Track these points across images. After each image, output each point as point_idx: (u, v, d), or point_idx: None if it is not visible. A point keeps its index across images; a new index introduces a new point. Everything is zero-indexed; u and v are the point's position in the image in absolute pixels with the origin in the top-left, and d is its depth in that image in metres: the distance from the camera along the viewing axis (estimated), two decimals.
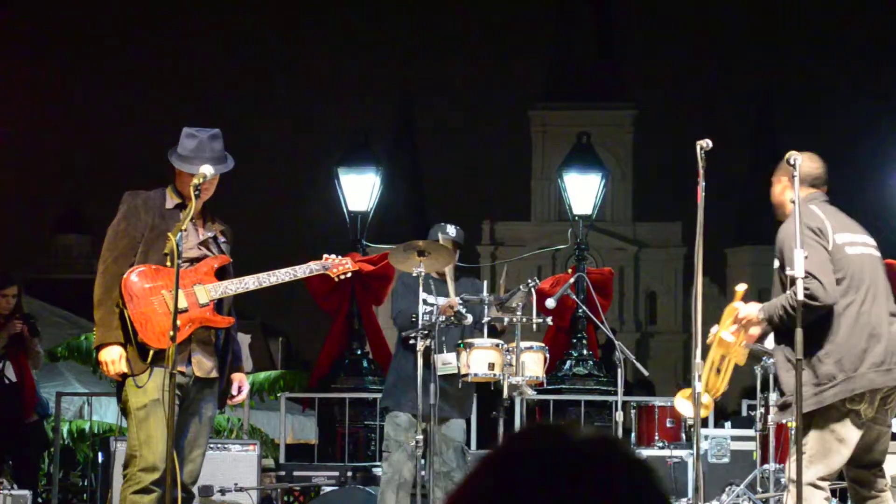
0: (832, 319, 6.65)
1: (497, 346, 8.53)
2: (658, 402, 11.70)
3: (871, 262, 6.82)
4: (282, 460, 12.89)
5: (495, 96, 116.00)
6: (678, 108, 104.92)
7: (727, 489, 10.27)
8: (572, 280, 10.63)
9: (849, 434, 6.65)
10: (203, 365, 6.75)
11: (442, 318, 8.48)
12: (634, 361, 9.78)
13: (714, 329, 7.05)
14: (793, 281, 6.55)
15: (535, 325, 8.67)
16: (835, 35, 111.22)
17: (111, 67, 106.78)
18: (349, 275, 7.35)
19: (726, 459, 11.15)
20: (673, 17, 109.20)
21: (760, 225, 76.43)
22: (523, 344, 8.56)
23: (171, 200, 6.79)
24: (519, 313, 8.57)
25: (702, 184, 6.82)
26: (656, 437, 11.23)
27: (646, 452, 11.10)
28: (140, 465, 6.51)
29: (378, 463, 11.74)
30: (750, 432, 10.74)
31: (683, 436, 11.22)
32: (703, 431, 11.13)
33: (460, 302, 8.63)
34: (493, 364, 8.47)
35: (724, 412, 19.47)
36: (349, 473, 11.48)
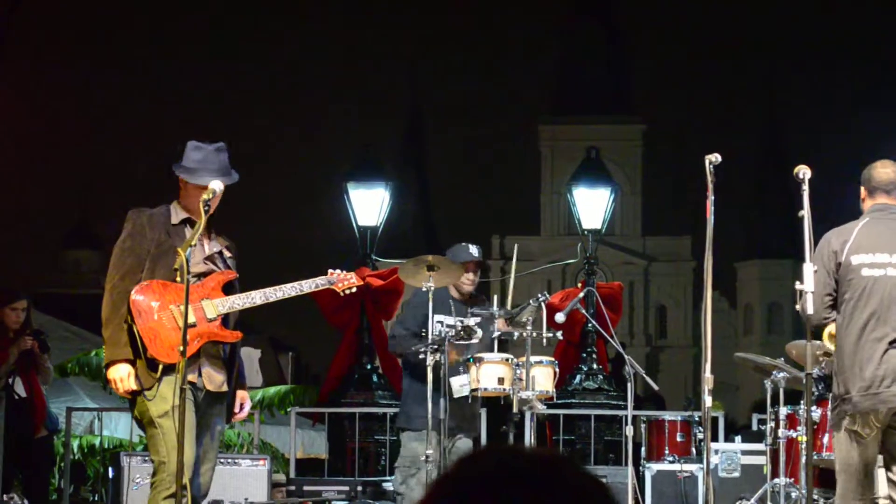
0: (840, 341, 6.79)
1: (507, 360, 8.53)
2: (668, 416, 11.69)
3: (891, 284, 6.84)
4: (292, 475, 12.89)
5: (504, 110, 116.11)
6: (687, 123, 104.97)
7: None
8: (582, 294, 10.64)
9: (852, 452, 6.79)
10: (214, 379, 6.78)
11: (451, 333, 8.48)
12: (644, 376, 9.77)
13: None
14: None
15: (545, 340, 8.67)
16: (843, 49, 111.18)
17: (122, 84, 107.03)
18: (354, 290, 7.34)
19: (737, 474, 11.14)
20: (681, 31, 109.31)
21: (769, 239, 76.52)
22: (533, 358, 8.56)
23: (177, 215, 6.81)
24: (529, 328, 8.57)
25: (711, 198, 6.83)
26: (666, 452, 11.22)
27: (656, 467, 11.09)
28: (171, 469, 6.54)
29: (388, 477, 11.74)
30: (760, 446, 10.72)
31: (694, 450, 11.21)
32: (714, 446, 11.12)
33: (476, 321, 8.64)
34: (503, 378, 8.48)
35: (735, 426, 19.44)
36: (359, 488, 11.48)
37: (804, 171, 6.81)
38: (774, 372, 9.95)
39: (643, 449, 11.47)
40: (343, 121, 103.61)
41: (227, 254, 6.96)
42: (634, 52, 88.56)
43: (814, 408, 8.91)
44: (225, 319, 6.80)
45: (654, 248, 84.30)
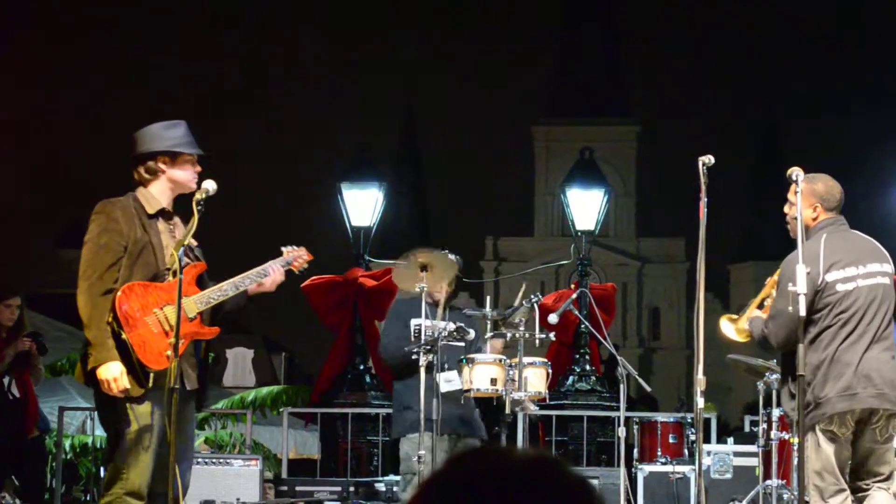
0: (818, 353, 6.88)
1: (499, 361, 8.53)
2: (661, 417, 11.69)
3: (867, 295, 6.92)
4: (284, 475, 12.89)
5: (499, 111, 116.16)
6: (681, 124, 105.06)
7: None
8: (575, 295, 10.65)
9: (828, 453, 6.90)
10: (191, 378, 6.68)
11: (444, 333, 8.48)
12: (637, 377, 9.77)
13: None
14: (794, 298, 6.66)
15: (537, 341, 8.67)
16: (840, 52, 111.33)
17: (117, 83, 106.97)
18: (306, 266, 7.14)
19: (729, 475, 11.14)
20: (676, 32, 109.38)
21: (764, 241, 76.51)
22: (526, 359, 8.56)
23: (151, 205, 6.62)
24: (522, 329, 8.57)
25: (704, 199, 6.83)
26: (659, 453, 11.22)
27: (648, 468, 11.09)
28: (126, 487, 6.39)
29: (380, 478, 11.75)
30: (753, 448, 10.73)
31: (686, 451, 11.22)
32: (706, 447, 11.13)
33: (455, 325, 8.63)
34: (496, 379, 8.47)
35: (727, 428, 19.46)
36: (351, 489, 11.48)
37: (797, 173, 6.83)
38: (767, 374, 9.95)
39: (636, 450, 11.48)
40: (337, 121, 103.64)
41: (193, 243, 6.83)
42: (629, 54, 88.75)
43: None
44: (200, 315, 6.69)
45: (648, 249, 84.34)
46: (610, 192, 15.34)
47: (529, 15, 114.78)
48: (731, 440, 12.59)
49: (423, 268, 8.53)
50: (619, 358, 9.77)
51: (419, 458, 8.51)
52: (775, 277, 7.15)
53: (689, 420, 11.16)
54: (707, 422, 12.42)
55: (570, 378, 14.17)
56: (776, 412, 9.88)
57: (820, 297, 6.87)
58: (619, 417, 10.00)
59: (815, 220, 7.06)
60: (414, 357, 8.48)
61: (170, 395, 6.30)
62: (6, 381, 10.87)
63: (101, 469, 11.30)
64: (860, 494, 7.03)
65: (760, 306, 7.35)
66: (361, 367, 14.12)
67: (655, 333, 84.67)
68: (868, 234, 7.26)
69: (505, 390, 8.47)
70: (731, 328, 7.47)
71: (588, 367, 14.26)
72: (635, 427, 11.60)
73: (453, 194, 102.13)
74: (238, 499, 10.63)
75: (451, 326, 8.59)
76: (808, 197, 7.00)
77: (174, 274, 6.54)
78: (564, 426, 13.78)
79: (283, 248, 6.97)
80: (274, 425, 17.88)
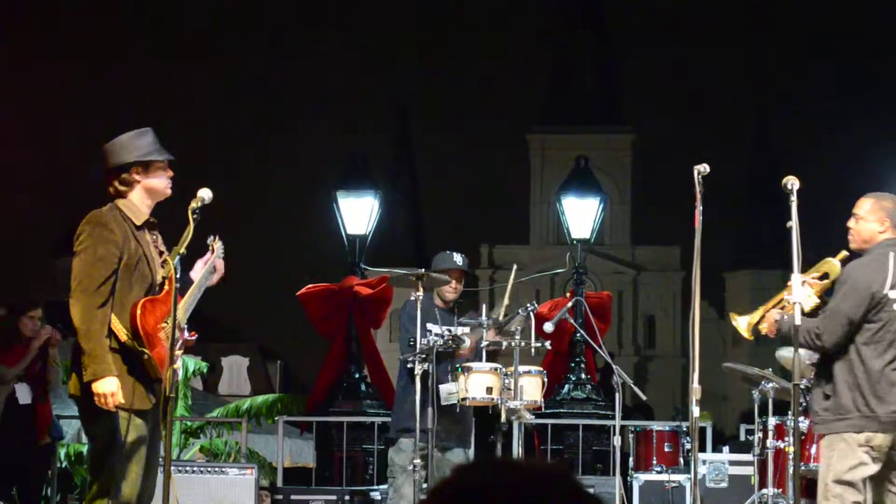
0: (865, 363, 6.97)
1: (495, 370, 8.53)
2: (656, 426, 11.69)
3: None
4: (279, 484, 12.87)
5: (494, 119, 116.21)
6: (676, 132, 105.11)
7: None
8: (570, 304, 10.63)
9: (866, 466, 6.98)
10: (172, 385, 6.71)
11: (440, 342, 8.49)
12: (632, 385, 9.77)
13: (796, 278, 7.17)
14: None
15: (533, 350, 8.67)
16: (834, 58, 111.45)
17: (111, 91, 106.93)
18: (222, 255, 7.02)
19: (724, 484, 11.14)
20: (671, 41, 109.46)
21: (759, 249, 76.58)
22: (521, 368, 8.56)
23: (137, 216, 6.61)
24: (517, 337, 8.57)
25: (699, 208, 6.86)
26: (654, 462, 11.22)
27: (643, 477, 11.09)
28: (119, 500, 6.41)
29: (376, 487, 11.74)
30: (748, 457, 10.72)
31: (681, 460, 11.22)
32: (702, 456, 11.12)
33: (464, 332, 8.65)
34: (492, 388, 8.47)
35: (723, 437, 19.45)
36: (347, 497, 11.47)
37: (792, 182, 6.86)
38: (762, 382, 9.95)
39: (631, 459, 11.47)
40: (333, 129, 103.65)
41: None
42: (624, 62, 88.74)
43: (801, 418, 8.93)
44: None
45: (643, 257, 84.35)
46: (605, 201, 15.34)
47: (524, 24, 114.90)
48: (726, 449, 12.58)
49: (419, 279, 8.55)
50: (614, 366, 9.77)
51: (414, 467, 8.52)
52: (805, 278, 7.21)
53: (685, 429, 11.16)
54: (702, 430, 12.42)
55: (566, 387, 14.16)
56: (772, 421, 9.88)
57: (875, 311, 6.96)
58: (614, 426, 10.01)
59: (881, 233, 7.14)
60: (409, 366, 8.49)
61: (165, 403, 6.33)
62: (10, 388, 10.97)
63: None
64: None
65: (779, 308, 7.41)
66: (357, 376, 14.11)
67: (651, 342, 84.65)
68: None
69: (500, 399, 8.47)
70: (744, 321, 7.48)
71: (583, 376, 14.25)
72: (631, 436, 11.59)
73: (449, 202, 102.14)
74: None
75: (447, 334, 8.60)
76: (877, 212, 7.13)
77: (160, 287, 6.56)
78: (560, 435, 13.77)
79: (209, 241, 6.90)
80: (269, 434, 17.87)
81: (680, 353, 79.61)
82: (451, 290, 9.11)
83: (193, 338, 6.72)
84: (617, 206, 79.69)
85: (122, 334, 6.39)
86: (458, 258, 9.15)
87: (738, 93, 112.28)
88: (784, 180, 6.91)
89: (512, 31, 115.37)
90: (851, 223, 7.19)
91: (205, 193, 6.62)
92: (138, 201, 6.64)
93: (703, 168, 6.90)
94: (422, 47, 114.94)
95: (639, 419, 14.78)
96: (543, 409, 9.44)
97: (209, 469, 11.03)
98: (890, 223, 7.17)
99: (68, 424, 15.07)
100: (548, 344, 9.20)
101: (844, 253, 7.34)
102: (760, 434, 10.16)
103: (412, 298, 8.58)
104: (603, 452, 13.52)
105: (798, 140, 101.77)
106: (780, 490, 9.82)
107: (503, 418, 8.50)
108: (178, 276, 6.40)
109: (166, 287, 6.53)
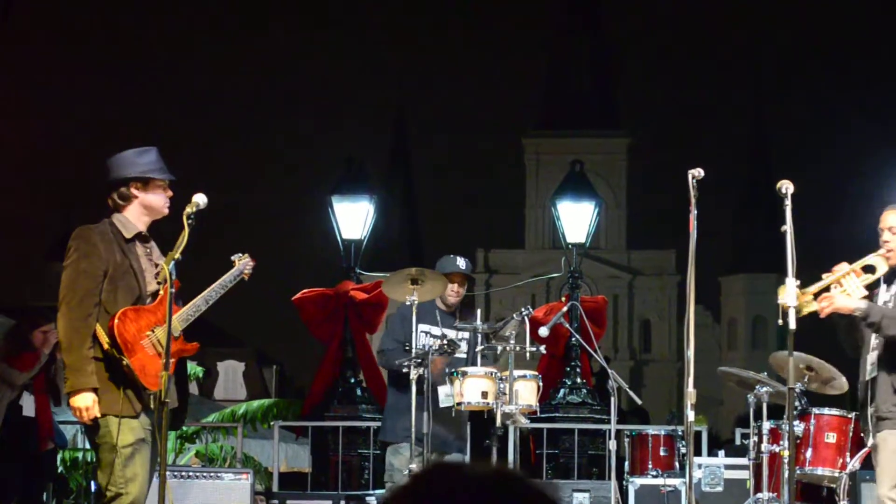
0: None
1: (490, 374, 8.53)
2: (652, 430, 11.69)
3: None
4: (275, 489, 12.86)
5: (489, 124, 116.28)
6: (672, 137, 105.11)
7: None
8: (566, 308, 10.64)
9: None
10: (173, 395, 6.74)
11: (435, 346, 8.49)
12: (628, 390, 9.78)
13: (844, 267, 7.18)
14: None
15: (528, 354, 8.68)
16: (831, 63, 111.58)
17: (106, 95, 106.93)
18: (250, 269, 7.06)
19: (720, 488, 11.13)
20: (667, 45, 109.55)
21: (754, 253, 76.63)
22: (517, 372, 8.56)
23: (128, 230, 6.69)
24: (512, 342, 8.58)
25: (694, 212, 6.86)
26: (650, 466, 11.21)
27: (639, 481, 11.09)
28: (127, 501, 6.47)
29: (371, 491, 11.72)
30: (744, 461, 10.71)
31: (677, 464, 11.21)
32: (697, 460, 11.12)
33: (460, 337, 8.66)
34: (487, 392, 8.48)
35: (718, 441, 19.46)
36: (342, 502, 11.46)
37: (787, 186, 6.87)
38: (758, 386, 9.95)
39: (626, 463, 11.47)
40: (328, 134, 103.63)
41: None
42: (620, 67, 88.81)
43: (797, 422, 8.95)
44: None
45: (639, 261, 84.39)
46: (601, 205, 15.34)
47: (520, 28, 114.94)
48: (722, 453, 12.57)
49: (414, 281, 8.54)
50: (609, 371, 9.77)
51: (410, 471, 8.51)
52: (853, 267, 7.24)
53: (680, 433, 11.15)
54: (698, 434, 12.42)
55: (561, 391, 14.16)
56: (767, 425, 9.88)
57: None
58: (609, 430, 10.00)
59: None
60: (405, 371, 8.49)
61: (160, 409, 6.35)
62: (13, 396, 11.01)
63: (92, 483, 11.30)
64: None
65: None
66: (352, 381, 14.10)
67: (646, 346, 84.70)
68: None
69: (496, 403, 8.47)
70: (795, 294, 7.44)
71: (579, 380, 14.25)
72: (626, 440, 11.59)
73: (444, 207, 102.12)
74: None
75: (456, 327, 8.61)
76: None
77: (153, 296, 6.62)
78: (555, 439, 13.77)
79: (233, 258, 6.99)
80: (265, 438, 17.86)
81: (675, 358, 79.67)
82: (453, 294, 9.13)
83: (188, 347, 6.75)
84: (612, 211, 79.78)
85: (105, 343, 6.49)
86: (461, 262, 9.17)
87: (735, 97, 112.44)
88: (778, 184, 6.92)
89: (508, 37, 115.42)
90: (888, 237, 7.20)
91: (200, 199, 6.65)
92: (134, 217, 6.73)
93: (698, 172, 6.91)
94: (417, 52, 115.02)
95: (634, 423, 14.78)
96: (539, 414, 9.45)
97: (205, 474, 11.02)
98: None
99: (63, 430, 15.06)
100: (543, 348, 9.20)
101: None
102: (756, 438, 10.15)
103: (407, 304, 8.58)
104: (598, 457, 13.51)
105: (794, 145, 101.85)
106: (776, 494, 9.81)
107: (498, 423, 8.50)
108: (172, 281, 6.42)
109: (161, 293, 6.57)
